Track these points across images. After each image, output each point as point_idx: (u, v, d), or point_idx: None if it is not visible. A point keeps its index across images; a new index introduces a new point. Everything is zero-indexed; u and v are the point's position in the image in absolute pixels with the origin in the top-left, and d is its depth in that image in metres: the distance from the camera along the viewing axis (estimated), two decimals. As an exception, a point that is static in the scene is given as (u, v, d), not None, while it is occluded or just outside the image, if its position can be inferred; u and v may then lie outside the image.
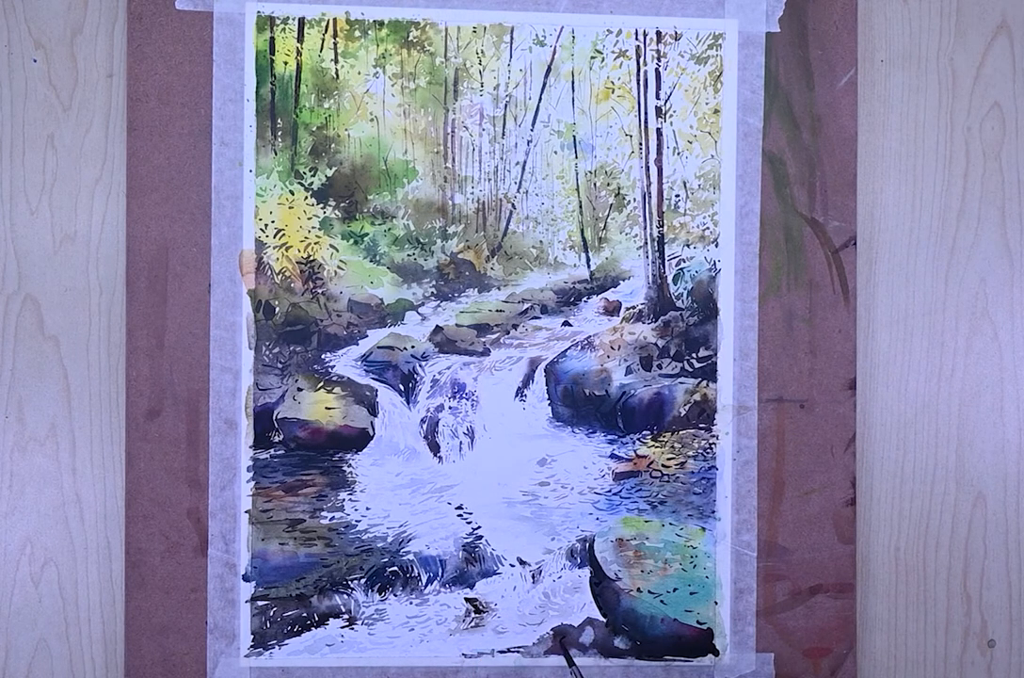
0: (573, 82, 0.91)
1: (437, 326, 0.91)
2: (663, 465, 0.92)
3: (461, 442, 0.91)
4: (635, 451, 0.92)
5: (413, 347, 0.91)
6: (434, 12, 0.90)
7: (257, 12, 0.89)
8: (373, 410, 0.91)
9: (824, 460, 0.92)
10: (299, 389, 0.90)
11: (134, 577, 0.88)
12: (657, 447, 0.92)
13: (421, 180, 0.91)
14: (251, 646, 0.89)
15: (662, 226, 0.92)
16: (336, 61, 0.90)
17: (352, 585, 0.90)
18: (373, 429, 0.91)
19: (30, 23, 0.90)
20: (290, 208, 0.90)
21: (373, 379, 0.91)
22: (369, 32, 0.90)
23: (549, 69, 0.91)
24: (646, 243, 0.92)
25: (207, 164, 0.88)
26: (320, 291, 0.90)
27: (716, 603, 0.92)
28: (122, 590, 0.90)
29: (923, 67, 0.95)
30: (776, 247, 0.92)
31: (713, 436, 0.92)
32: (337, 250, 0.90)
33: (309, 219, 0.90)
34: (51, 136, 0.90)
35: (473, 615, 0.91)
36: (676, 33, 0.91)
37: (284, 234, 0.90)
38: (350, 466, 0.90)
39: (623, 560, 0.92)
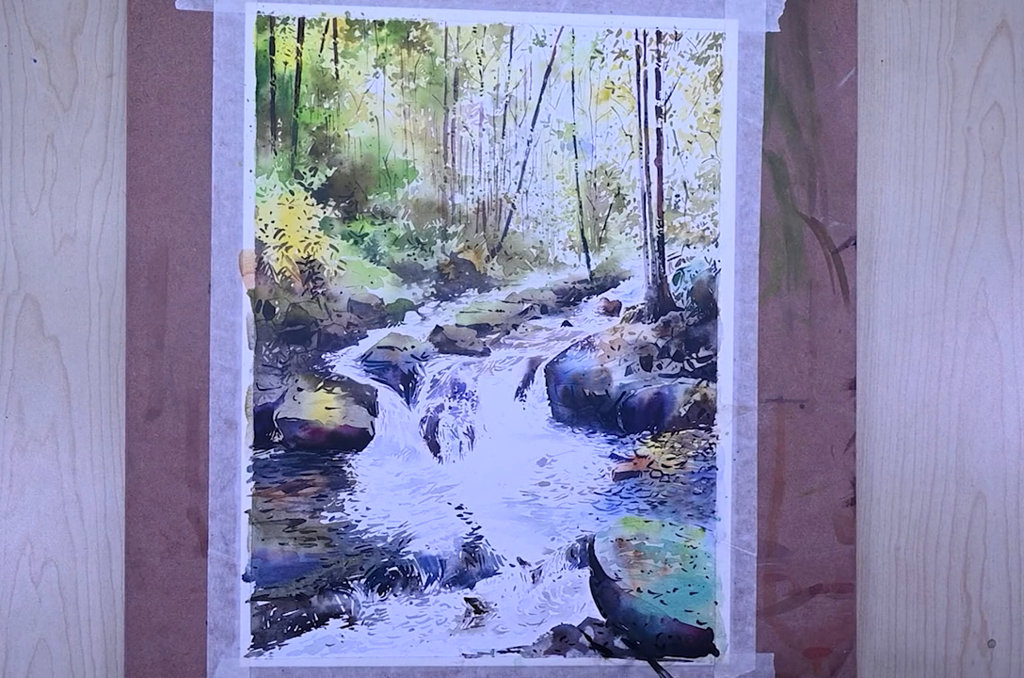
0: (573, 82, 0.91)
1: (437, 326, 0.91)
2: (663, 465, 0.92)
3: (461, 442, 0.91)
4: (635, 451, 0.92)
5: (413, 347, 0.91)
6: (434, 12, 0.90)
7: (257, 12, 0.89)
8: (373, 410, 0.91)
9: (824, 460, 0.92)
10: (299, 389, 0.90)
11: (134, 577, 0.88)
12: (657, 447, 0.92)
13: (421, 180, 0.91)
14: (251, 646, 0.89)
15: (662, 226, 0.92)
16: (336, 61, 0.90)
17: (352, 585, 0.90)
18: (373, 429, 0.91)
19: (30, 23, 0.90)
20: (290, 208, 0.90)
21: (373, 379, 0.91)
22: (369, 32, 0.90)
23: (549, 69, 0.91)
24: (646, 243, 0.92)
25: (207, 164, 0.88)
26: (320, 291, 0.90)
27: (716, 603, 0.92)
28: (122, 590, 0.90)
29: (923, 67, 0.95)
30: (776, 247, 0.92)
31: (713, 436, 0.92)
32: (337, 250, 0.90)
33: (309, 219, 0.90)
34: (51, 136, 0.90)
35: (473, 615, 0.91)
36: (676, 33, 0.91)
37: (284, 234, 0.90)
38: (350, 466, 0.90)
39: (623, 560, 0.92)
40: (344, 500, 0.90)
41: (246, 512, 0.89)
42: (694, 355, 0.92)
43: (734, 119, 0.92)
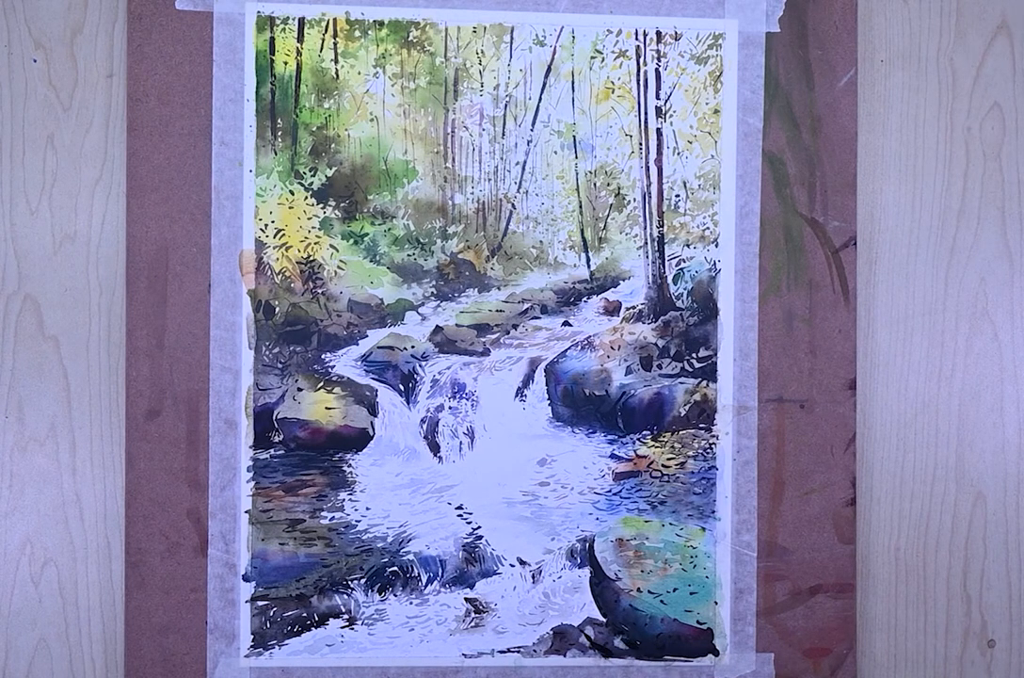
0: (573, 82, 0.91)
1: (437, 326, 0.91)
2: (663, 465, 0.92)
3: (461, 442, 0.91)
4: (635, 451, 0.92)
5: (413, 347, 0.91)
6: (434, 12, 0.90)
7: (257, 12, 0.89)
8: (373, 410, 0.91)
9: (824, 460, 0.92)
10: (299, 389, 0.90)
11: (134, 577, 0.88)
12: (657, 447, 0.92)
13: (421, 180, 0.91)
14: (251, 646, 0.89)
15: (662, 226, 0.92)
16: (336, 61, 0.90)
17: (352, 585, 0.90)
18: (373, 429, 0.91)
19: (30, 23, 0.90)
20: (290, 208, 0.90)
21: (373, 379, 0.91)
22: (369, 32, 0.90)
23: (549, 69, 0.91)
24: (646, 243, 0.92)
25: (207, 164, 0.88)
26: (320, 291, 0.90)
27: (716, 603, 0.92)
28: (122, 590, 0.90)
29: (923, 67, 0.95)
30: (776, 247, 0.92)
31: (713, 436, 0.92)
32: (337, 250, 0.90)
33: (309, 219, 0.90)
34: (51, 136, 0.90)
35: (473, 615, 0.91)
36: (676, 33, 0.91)
37: (284, 234, 0.90)
38: (350, 466, 0.90)
39: (623, 560, 0.92)
40: (344, 500, 0.90)
41: (246, 512, 0.89)
42: (694, 355, 0.92)
43: (734, 119, 0.92)
